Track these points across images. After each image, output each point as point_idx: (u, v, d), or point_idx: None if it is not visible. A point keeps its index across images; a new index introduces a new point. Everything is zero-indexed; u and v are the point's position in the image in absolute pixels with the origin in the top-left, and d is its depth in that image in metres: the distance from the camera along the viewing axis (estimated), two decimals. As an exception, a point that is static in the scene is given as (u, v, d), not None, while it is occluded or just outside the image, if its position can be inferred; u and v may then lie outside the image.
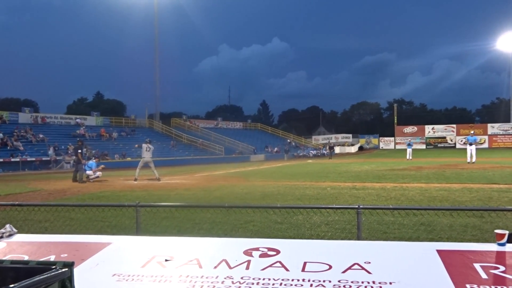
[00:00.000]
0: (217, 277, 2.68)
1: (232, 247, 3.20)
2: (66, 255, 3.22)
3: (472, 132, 34.50)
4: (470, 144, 29.38)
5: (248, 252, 3.04)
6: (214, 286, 2.58)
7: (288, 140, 67.65)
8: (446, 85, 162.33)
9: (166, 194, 15.08)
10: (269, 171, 28.40)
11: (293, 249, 3.09)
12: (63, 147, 39.36)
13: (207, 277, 2.68)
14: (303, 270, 2.70)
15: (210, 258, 2.97)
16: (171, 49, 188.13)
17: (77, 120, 48.96)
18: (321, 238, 7.19)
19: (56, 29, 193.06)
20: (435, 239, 7.14)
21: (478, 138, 29.89)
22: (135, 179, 20.72)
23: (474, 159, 28.66)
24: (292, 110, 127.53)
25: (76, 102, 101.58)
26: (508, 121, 74.32)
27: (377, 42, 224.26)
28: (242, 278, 2.65)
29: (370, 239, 6.69)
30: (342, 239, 7.00)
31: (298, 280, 2.56)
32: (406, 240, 6.57)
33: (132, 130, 52.38)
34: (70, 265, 2.05)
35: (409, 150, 39.81)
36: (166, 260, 3.01)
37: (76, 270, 2.33)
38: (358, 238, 5.02)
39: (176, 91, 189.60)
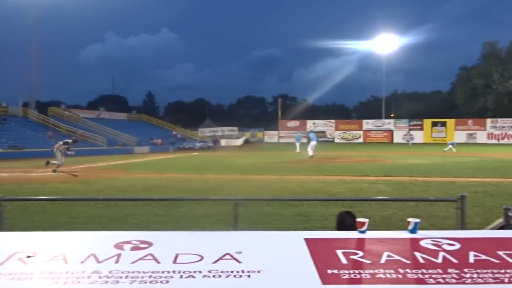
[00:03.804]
0: (83, 272, 2.57)
1: (102, 241, 3.08)
2: None
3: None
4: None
5: (119, 246, 2.95)
6: (79, 282, 2.46)
7: (174, 132, 66.97)
8: (328, 82, 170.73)
9: (40, 187, 14.19)
10: (153, 163, 27.93)
11: (166, 241, 3.06)
12: None
13: (72, 273, 2.55)
14: (174, 262, 2.68)
15: (77, 253, 2.83)
16: (50, 34, 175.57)
17: None
18: (201, 230, 7.22)
19: None
20: (309, 228, 7.50)
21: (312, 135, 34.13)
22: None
23: (310, 154, 29.64)
24: (179, 102, 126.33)
25: None
26: (381, 118, 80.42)
27: (265, 38, 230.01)
28: (110, 272, 2.56)
29: (248, 230, 6.84)
30: (220, 230, 7.09)
31: (169, 272, 2.54)
32: (283, 230, 6.83)
33: (3, 118, 48.28)
34: None
35: (297, 144, 41.71)
36: (28, 257, 2.82)
37: None
38: (235, 229, 5.11)
39: (56, 79, 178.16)
